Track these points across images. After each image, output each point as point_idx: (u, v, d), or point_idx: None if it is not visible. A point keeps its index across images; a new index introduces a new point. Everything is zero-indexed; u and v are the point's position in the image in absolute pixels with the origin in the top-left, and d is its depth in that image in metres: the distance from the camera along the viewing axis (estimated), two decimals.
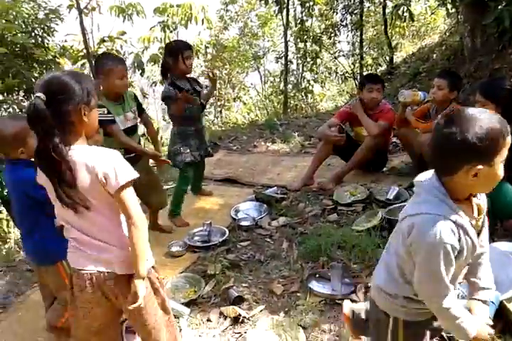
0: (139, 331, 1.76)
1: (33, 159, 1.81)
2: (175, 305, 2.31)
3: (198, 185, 3.70)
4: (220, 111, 11.19)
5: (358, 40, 9.48)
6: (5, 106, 5.69)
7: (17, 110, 5.68)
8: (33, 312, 2.43)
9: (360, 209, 3.19)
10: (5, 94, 5.43)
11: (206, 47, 9.41)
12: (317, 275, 2.50)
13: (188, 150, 3.18)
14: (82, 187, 1.47)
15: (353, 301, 2.24)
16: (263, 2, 9.25)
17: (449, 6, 6.59)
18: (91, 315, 1.60)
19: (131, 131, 2.84)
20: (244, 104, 12.10)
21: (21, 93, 5.74)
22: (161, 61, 3.34)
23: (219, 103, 11.30)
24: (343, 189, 3.44)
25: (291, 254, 2.79)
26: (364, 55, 9.61)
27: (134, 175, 1.50)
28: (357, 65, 9.79)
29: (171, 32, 7.75)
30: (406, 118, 3.47)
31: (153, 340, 1.67)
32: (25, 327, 2.37)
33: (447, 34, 8.61)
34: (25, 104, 5.86)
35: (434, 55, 7.76)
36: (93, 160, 1.46)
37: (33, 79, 5.62)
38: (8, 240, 4.72)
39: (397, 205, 2.98)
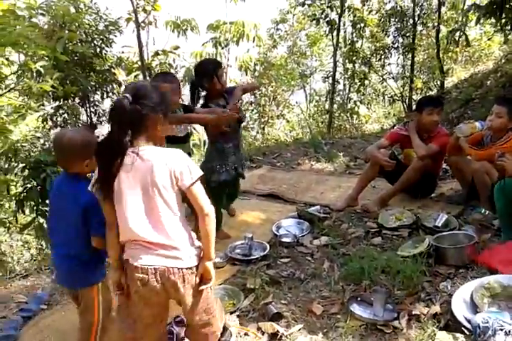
0: (197, 320, 1.84)
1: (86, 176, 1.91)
2: None
3: (228, 203, 3.59)
4: (263, 128, 11.28)
5: (409, 63, 9.39)
6: (61, 112, 5.97)
7: (72, 115, 5.94)
8: (75, 311, 2.48)
9: (405, 234, 3.11)
10: (62, 100, 5.68)
11: (255, 65, 9.55)
12: (359, 299, 2.44)
13: (224, 169, 3.09)
14: (158, 183, 1.60)
15: (395, 328, 2.20)
16: (314, 22, 9.38)
17: (508, 32, 6.45)
18: (149, 305, 1.72)
19: (183, 140, 2.97)
20: (288, 121, 12.17)
21: (77, 100, 6.01)
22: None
23: (262, 120, 11.41)
24: (389, 212, 3.37)
25: (333, 275, 2.74)
26: (414, 79, 9.50)
27: (201, 172, 1.69)
28: (406, 88, 9.69)
29: (223, 48, 7.94)
30: (459, 146, 3.38)
31: (211, 326, 1.84)
32: (68, 325, 2.41)
33: (503, 61, 8.42)
34: (81, 110, 6.13)
35: (488, 82, 7.59)
36: (169, 159, 1.62)
37: (89, 88, 5.88)
38: None
39: (446, 233, 2.90)
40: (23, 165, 4.72)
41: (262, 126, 11.35)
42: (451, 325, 2.14)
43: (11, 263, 5.47)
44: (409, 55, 9.13)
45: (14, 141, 4.85)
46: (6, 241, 6.18)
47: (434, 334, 2.06)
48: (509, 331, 1.88)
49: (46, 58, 4.08)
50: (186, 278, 1.69)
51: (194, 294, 1.75)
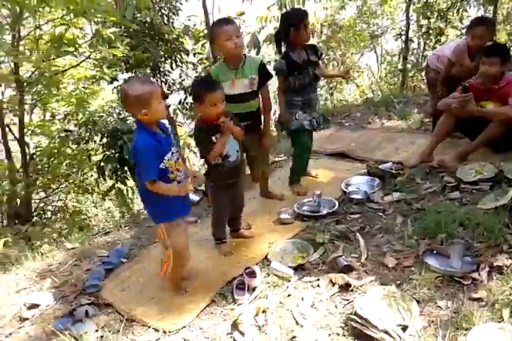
0: None
1: (150, 127, 2.03)
2: (279, 267, 2.34)
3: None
4: (332, 94, 10.98)
5: (491, 15, 8.57)
6: None
7: None
8: (153, 264, 2.61)
9: (487, 188, 2.90)
10: (133, 71, 5.86)
11: (322, 26, 9.21)
12: (435, 252, 2.34)
13: (294, 118, 3.09)
14: None
15: (474, 280, 2.08)
16: None
17: None
18: None
19: (243, 98, 2.79)
20: (358, 86, 11.73)
21: (148, 70, 6.16)
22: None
23: (330, 85, 11.09)
24: (468, 167, 3.14)
25: (406, 230, 2.64)
26: (497, 32, 8.67)
27: None
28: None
29: None
30: None
31: None
32: (146, 277, 2.56)
33: None
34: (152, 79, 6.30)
35: None
36: None
37: (159, 57, 6.00)
38: (133, 205, 5.17)
39: None
40: (102, 134, 4.99)
41: (331, 91, 11.06)
42: None
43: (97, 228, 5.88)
44: (491, 7, 8.30)
45: (93, 112, 5.12)
46: (91, 209, 6.61)
47: None
48: None
49: (116, 26, 4.18)
50: None
51: None
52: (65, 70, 4.30)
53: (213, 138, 2.39)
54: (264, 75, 2.82)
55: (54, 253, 3.03)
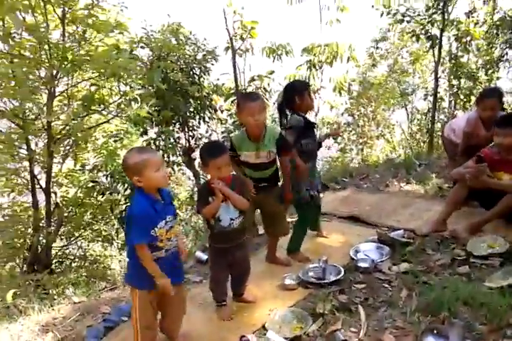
0: None
1: (149, 193, 2.11)
2: (275, 338, 2.31)
3: (315, 223, 3.62)
4: (362, 149, 11.05)
5: None
6: (162, 137, 6.45)
7: (171, 140, 6.39)
8: None
9: (497, 263, 2.83)
10: (163, 126, 6.16)
11: (350, 85, 9.45)
12: (435, 332, 2.26)
13: (304, 188, 3.17)
14: None
15: None
16: (414, 38, 9.07)
17: None
18: None
19: (264, 166, 2.92)
20: (388, 142, 11.78)
21: (177, 125, 6.47)
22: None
23: (361, 140, 11.19)
24: (480, 239, 3.09)
25: (409, 305, 2.57)
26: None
27: None
28: None
29: (317, 70, 8.00)
30: None
31: None
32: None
33: None
34: (179, 135, 6.59)
35: None
36: None
37: (187, 113, 6.31)
38: None
39: None
40: (127, 185, 5.19)
41: (361, 147, 11.13)
42: None
43: (116, 276, 5.94)
44: None
45: (120, 164, 5.36)
46: (114, 256, 6.72)
47: None
48: None
49: (144, 87, 4.48)
50: None
51: None
52: (94, 127, 4.58)
53: (210, 198, 2.49)
54: (282, 147, 2.93)
55: (60, 307, 3.09)
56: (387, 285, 2.83)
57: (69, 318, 2.88)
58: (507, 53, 8.33)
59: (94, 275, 4.47)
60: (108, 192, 5.22)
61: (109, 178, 5.24)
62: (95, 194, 5.19)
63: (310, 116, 3.39)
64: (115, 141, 5.60)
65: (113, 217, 5.46)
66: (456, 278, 2.73)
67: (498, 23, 8.26)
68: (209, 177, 2.55)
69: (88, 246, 5.61)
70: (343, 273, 2.95)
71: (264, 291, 2.92)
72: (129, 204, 5.15)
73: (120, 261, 6.48)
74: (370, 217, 3.89)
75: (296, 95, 3.09)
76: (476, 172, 3.21)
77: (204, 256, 3.48)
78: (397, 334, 2.34)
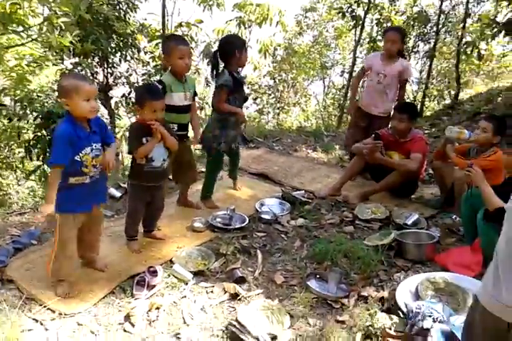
0: None
1: (76, 119, 2.18)
2: (180, 270, 2.57)
3: (233, 173, 3.90)
4: (278, 114, 11.42)
5: (427, 69, 9.45)
6: (79, 68, 6.15)
7: (89, 73, 6.13)
8: None
9: (376, 227, 3.34)
10: (81, 57, 5.87)
11: (275, 49, 9.62)
12: (317, 276, 2.68)
13: (224, 140, 3.33)
14: None
15: (343, 305, 2.44)
16: (340, 15, 9.43)
17: None
18: None
19: (186, 109, 3.13)
20: (303, 110, 12.31)
21: (96, 59, 6.18)
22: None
23: (279, 105, 11.54)
24: (366, 206, 3.59)
25: (300, 253, 2.99)
26: (429, 85, 9.57)
27: None
28: (420, 93, 9.77)
29: (245, 28, 8.03)
30: (445, 153, 3.57)
31: None
32: None
33: None
34: (97, 69, 6.32)
35: (499, 98, 7.69)
36: None
37: (109, 49, 6.05)
38: None
39: (411, 230, 3.13)
40: (36, 114, 4.96)
41: (278, 111, 11.50)
42: (393, 309, 2.38)
43: (16, 206, 5.75)
44: (429, 61, 9.17)
45: (31, 90, 5.08)
46: (13, 185, 6.45)
47: (375, 314, 2.29)
48: (437, 318, 2.11)
49: (69, 15, 4.25)
50: None
51: None
52: (11, 47, 4.29)
53: (144, 139, 2.61)
54: (195, 92, 3.23)
55: None
56: (283, 236, 3.22)
57: None
58: (418, 45, 9.05)
59: None
60: (16, 119, 4.96)
61: (18, 104, 4.95)
62: (1, 118, 4.90)
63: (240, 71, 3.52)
64: (27, 65, 5.27)
65: (18, 145, 5.22)
66: (341, 235, 3.19)
67: (415, 15, 8.89)
68: (135, 118, 2.65)
69: None
70: (247, 221, 3.27)
71: (174, 230, 3.15)
72: (37, 133, 4.97)
73: (18, 192, 6.27)
74: (278, 176, 4.25)
75: (237, 49, 3.21)
76: (372, 148, 3.67)
77: (117, 193, 3.59)
78: (286, 275, 2.73)
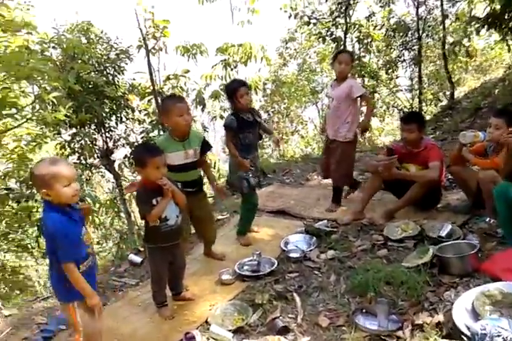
0: None
1: (60, 205, 1.99)
2: (218, 331, 2.41)
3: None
4: (278, 145, 11.42)
5: (417, 75, 9.46)
6: (77, 138, 6.20)
7: (88, 142, 6.17)
8: None
9: (411, 245, 3.17)
10: (78, 127, 5.93)
11: (264, 84, 9.74)
12: (364, 311, 2.50)
13: (251, 175, 3.38)
14: None
15: (399, 338, 2.25)
16: (321, 40, 9.58)
17: (511, 42, 6.50)
18: None
19: (191, 167, 3.05)
20: (302, 137, 12.32)
21: (92, 126, 6.25)
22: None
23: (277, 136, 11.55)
24: (394, 224, 3.43)
25: (339, 288, 2.81)
26: (423, 90, 9.55)
27: None
28: (416, 99, 9.74)
29: (232, 70, 8.14)
30: (461, 156, 3.44)
31: None
32: None
33: (511, 69, 8.44)
34: (96, 136, 6.37)
35: (497, 90, 7.60)
36: None
37: (104, 114, 6.13)
38: None
39: (449, 243, 2.94)
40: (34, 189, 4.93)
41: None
42: (453, 333, 2.18)
43: (37, 287, 5.63)
44: (417, 68, 9.20)
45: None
46: (31, 266, 6.35)
47: None
48: (506, 337, 1.92)
49: (59, 89, 4.30)
50: None
51: None
52: (8, 130, 4.32)
53: (154, 200, 2.51)
54: (205, 147, 3.13)
55: None
56: (317, 272, 3.06)
57: (2, 333, 2.74)
58: (404, 54, 9.10)
59: (16, 287, 4.21)
60: (23, 200, 4.92)
61: (23, 184, 4.94)
62: (10, 202, 4.87)
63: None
64: (26, 145, 5.31)
65: (30, 225, 5.16)
66: (377, 260, 3.02)
67: (394, 26, 9.00)
68: (139, 178, 2.58)
69: (5, 257, 5.25)
70: (276, 264, 3.12)
71: (203, 288, 3.00)
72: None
73: (37, 270, 6.15)
74: (296, 210, 4.12)
75: (235, 92, 3.24)
76: (388, 164, 3.54)
77: (138, 259, 3.48)
78: (330, 316, 2.55)
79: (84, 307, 2.09)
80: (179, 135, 2.96)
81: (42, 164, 1.97)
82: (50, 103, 4.58)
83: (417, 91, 9.47)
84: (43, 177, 1.92)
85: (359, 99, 3.92)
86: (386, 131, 11.92)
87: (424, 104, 9.75)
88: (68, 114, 4.45)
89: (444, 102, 9.60)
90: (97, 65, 6.10)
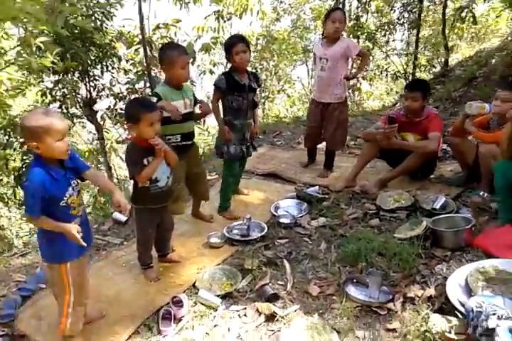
0: None
1: (48, 161, 1.86)
2: (207, 296, 2.36)
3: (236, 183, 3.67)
4: (264, 103, 11.20)
5: (414, 40, 9.19)
6: (60, 86, 5.88)
7: (71, 90, 5.86)
8: None
9: (403, 216, 3.12)
10: (61, 75, 5.60)
11: (257, 39, 9.36)
12: (355, 280, 2.47)
13: (235, 143, 3.19)
14: None
15: (389, 310, 2.23)
16: None
17: None
18: None
19: (189, 117, 2.91)
20: (289, 96, 12.06)
21: (76, 74, 5.91)
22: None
23: (263, 94, 11.30)
24: (387, 194, 3.37)
25: (329, 256, 2.77)
26: (418, 55, 9.32)
27: None
28: (410, 64, 9.52)
29: (225, 22, 7.75)
30: (463, 128, 3.34)
31: None
32: None
33: (510, 38, 8.25)
34: (79, 85, 6.05)
35: (493, 60, 7.44)
36: None
37: (89, 62, 5.78)
38: None
39: (443, 216, 2.90)
40: (22, 140, 4.71)
41: (263, 100, 11.27)
42: (445, 308, 2.17)
43: (10, 236, 5.52)
44: (415, 31, 8.92)
45: (13, 116, 4.82)
46: (4, 214, 6.23)
47: (428, 317, 2.08)
48: (501, 315, 1.90)
49: (47, 33, 3.98)
50: None
51: None
52: None
53: (145, 160, 2.37)
54: (195, 98, 3.00)
55: None
56: (307, 239, 3.00)
57: None
58: (403, 16, 8.78)
59: None
60: (1, 148, 4.71)
61: (1, 131, 4.70)
62: None
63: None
64: (6, 90, 5.00)
65: (7, 174, 4.96)
66: (369, 230, 2.97)
67: None
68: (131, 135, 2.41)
69: None
70: (266, 229, 3.05)
71: (190, 250, 2.93)
72: (26, 160, 4.72)
73: (10, 218, 6.03)
74: (287, 174, 4.02)
75: (229, 49, 3.03)
76: (388, 133, 3.43)
77: (123, 218, 3.36)
78: (321, 284, 2.51)
79: (76, 265, 2.01)
80: (176, 85, 2.84)
81: (33, 115, 1.81)
82: (35, 48, 4.26)
83: (412, 56, 9.22)
84: (35, 130, 1.78)
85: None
86: (374, 95, 11.75)
87: (417, 69, 9.54)
88: (55, 61, 4.14)
89: (438, 69, 9.42)
90: (85, 10, 5.68)
